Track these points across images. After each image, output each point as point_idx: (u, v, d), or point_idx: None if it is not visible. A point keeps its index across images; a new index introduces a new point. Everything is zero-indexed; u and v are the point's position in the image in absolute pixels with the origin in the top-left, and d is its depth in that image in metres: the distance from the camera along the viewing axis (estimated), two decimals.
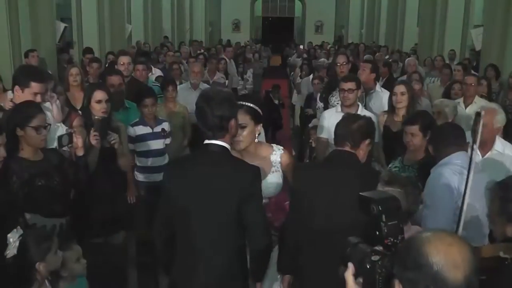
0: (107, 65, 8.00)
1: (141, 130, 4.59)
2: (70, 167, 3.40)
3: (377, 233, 1.60)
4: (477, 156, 3.52)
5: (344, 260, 1.61)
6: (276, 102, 10.85)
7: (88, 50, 9.00)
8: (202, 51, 12.98)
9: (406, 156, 3.90)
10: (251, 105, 2.90)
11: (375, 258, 1.52)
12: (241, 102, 2.85)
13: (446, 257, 1.35)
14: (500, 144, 3.86)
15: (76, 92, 5.47)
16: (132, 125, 4.58)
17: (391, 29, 17.74)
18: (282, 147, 3.12)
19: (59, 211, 3.27)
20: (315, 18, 28.83)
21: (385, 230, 1.60)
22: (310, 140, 6.36)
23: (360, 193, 1.69)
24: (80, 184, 3.48)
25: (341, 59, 5.85)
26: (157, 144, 4.63)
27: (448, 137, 3.26)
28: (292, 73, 14.02)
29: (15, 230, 2.61)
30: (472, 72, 7.87)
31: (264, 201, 2.70)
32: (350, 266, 1.54)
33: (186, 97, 6.09)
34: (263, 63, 17.81)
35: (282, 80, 16.24)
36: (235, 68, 11.04)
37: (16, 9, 8.14)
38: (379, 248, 1.56)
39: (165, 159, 4.63)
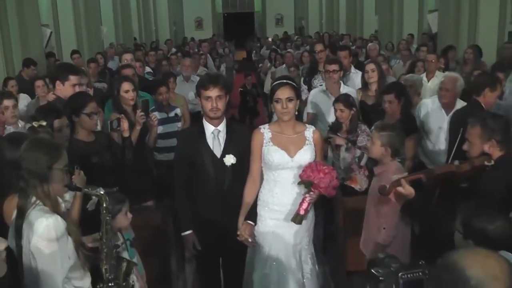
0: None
1: (158, 116, 5.26)
2: (117, 146, 4.11)
3: None
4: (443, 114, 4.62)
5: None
6: (250, 88, 11.66)
7: (75, 52, 9.58)
8: (175, 50, 13.64)
9: (385, 120, 4.80)
10: (293, 83, 3.43)
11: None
12: (286, 81, 3.36)
13: (484, 270, 1.31)
14: (459, 104, 4.86)
15: None
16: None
17: (351, 18, 18.58)
18: (313, 127, 3.63)
19: (111, 183, 3.87)
20: (275, 11, 29.59)
21: None
22: None
23: (371, 269, 1.71)
24: (126, 160, 4.18)
25: (318, 47, 6.66)
26: (172, 127, 5.33)
27: None
28: (261, 64, 14.84)
29: (98, 189, 2.98)
30: None
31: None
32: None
33: (180, 89, 6.89)
34: (232, 58, 18.54)
35: (250, 73, 16.99)
36: (212, 62, 11.80)
37: (6, 17, 8.67)
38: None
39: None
